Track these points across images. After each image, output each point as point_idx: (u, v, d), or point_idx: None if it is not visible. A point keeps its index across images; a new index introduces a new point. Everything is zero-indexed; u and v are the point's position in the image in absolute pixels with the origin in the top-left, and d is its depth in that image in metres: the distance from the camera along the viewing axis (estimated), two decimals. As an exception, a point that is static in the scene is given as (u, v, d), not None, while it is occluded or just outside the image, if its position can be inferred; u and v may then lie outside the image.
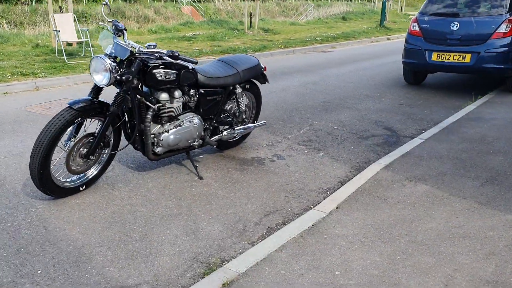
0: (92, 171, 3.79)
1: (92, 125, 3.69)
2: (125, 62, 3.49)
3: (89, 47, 9.99)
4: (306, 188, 3.94)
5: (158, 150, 3.90)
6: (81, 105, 3.40)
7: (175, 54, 3.51)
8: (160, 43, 12.63)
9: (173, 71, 3.72)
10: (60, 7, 15.27)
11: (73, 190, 3.65)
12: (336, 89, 8.05)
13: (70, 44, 10.47)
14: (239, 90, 4.52)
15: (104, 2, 3.80)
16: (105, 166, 3.85)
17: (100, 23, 4.52)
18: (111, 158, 3.86)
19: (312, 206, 3.61)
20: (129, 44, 3.46)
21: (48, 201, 3.55)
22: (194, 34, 14.76)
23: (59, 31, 9.36)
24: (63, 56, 9.37)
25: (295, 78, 8.88)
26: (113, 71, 3.39)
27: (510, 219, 3.29)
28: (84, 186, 3.72)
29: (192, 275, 2.72)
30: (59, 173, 3.66)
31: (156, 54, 3.50)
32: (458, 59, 7.45)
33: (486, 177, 4.01)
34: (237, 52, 11.47)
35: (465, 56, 7.39)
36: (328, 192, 3.87)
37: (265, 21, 20.35)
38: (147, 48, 3.51)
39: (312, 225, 3.24)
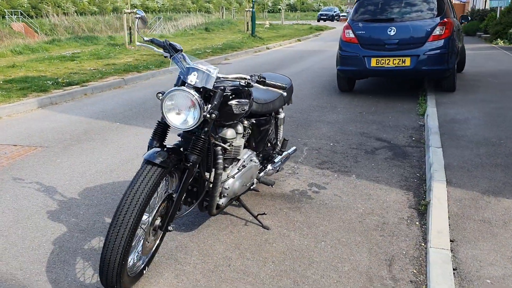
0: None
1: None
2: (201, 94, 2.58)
3: None
4: (389, 222, 3.42)
5: (222, 201, 3.03)
6: (161, 158, 2.41)
7: (262, 78, 2.71)
8: (42, 65, 10.82)
9: (246, 101, 2.90)
10: None
11: (139, 276, 2.60)
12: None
13: None
14: (282, 115, 3.80)
15: (137, 15, 2.81)
16: (162, 237, 2.85)
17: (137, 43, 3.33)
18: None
19: (422, 244, 3.10)
20: (206, 68, 2.56)
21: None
22: (73, 53, 13.03)
23: None
24: None
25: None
26: (203, 107, 2.47)
27: None
28: (147, 267, 2.69)
29: None
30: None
31: (240, 81, 2.65)
32: (398, 63, 7.56)
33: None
34: (142, 71, 10.34)
35: (405, 60, 7.52)
36: (417, 223, 3.40)
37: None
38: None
39: (454, 269, 2.74)
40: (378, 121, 6.29)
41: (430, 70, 7.47)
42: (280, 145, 3.93)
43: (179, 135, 3.17)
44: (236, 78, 2.64)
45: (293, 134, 5.62)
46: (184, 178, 2.57)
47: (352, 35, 7.92)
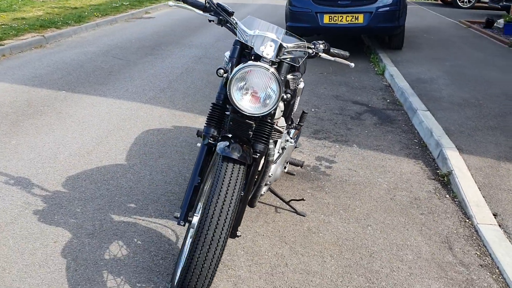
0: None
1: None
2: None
3: None
4: (419, 197, 3.27)
5: (264, 190, 2.63)
6: (238, 153, 1.94)
7: (327, 46, 2.28)
8: None
9: (299, 74, 2.47)
10: None
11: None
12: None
13: None
14: (302, 84, 3.39)
15: None
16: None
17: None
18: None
19: (467, 220, 2.97)
20: (276, 36, 2.08)
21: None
22: (-34, 5, 11.17)
23: None
24: None
25: (178, 53, 7.50)
26: (283, 86, 2.00)
27: None
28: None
29: None
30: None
31: (307, 50, 2.20)
32: (351, 20, 7.37)
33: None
34: (62, 27, 9.13)
35: (358, 16, 7.34)
36: (447, 196, 3.27)
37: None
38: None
39: None
40: (343, 82, 6.10)
41: (382, 27, 7.38)
42: (298, 118, 3.54)
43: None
44: (300, 46, 2.18)
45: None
46: (251, 172, 2.12)
47: (302, -10, 7.54)
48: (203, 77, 6.03)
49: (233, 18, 2.20)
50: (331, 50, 2.29)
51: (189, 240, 2.26)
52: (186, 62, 6.81)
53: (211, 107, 2.17)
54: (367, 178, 3.47)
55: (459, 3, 15.07)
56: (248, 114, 2.01)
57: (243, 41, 2.11)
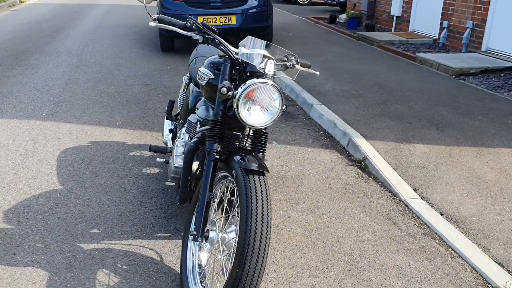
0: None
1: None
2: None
3: None
4: (349, 182, 3.69)
5: None
6: (255, 163, 2.07)
7: (296, 57, 2.52)
8: None
9: None
10: None
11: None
12: (117, 70, 6.88)
13: None
14: None
15: None
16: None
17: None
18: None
19: (395, 197, 3.49)
20: (267, 52, 2.24)
21: None
22: None
23: None
24: None
25: (49, 62, 6.95)
26: (284, 99, 2.18)
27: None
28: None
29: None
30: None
31: (286, 63, 2.41)
32: (224, 22, 7.69)
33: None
34: None
35: (231, 18, 7.70)
36: (370, 178, 3.77)
37: None
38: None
39: (441, 214, 3.23)
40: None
41: (253, 27, 7.81)
42: None
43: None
44: (282, 60, 2.37)
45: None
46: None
47: (174, -8, 7.59)
48: (93, 87, 5.76)
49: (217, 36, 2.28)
50: (300, 62, 2.51)
51: (191, 251, 2.32)
52: (64, 72, 6.39)
53: (211, 124, 2.23)
54: (300, 171, 3.79)
55: (298, 0, 16.39)
56: (253, 126, 2.14)
57: (235, 59, 2.21)
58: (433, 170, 3.77)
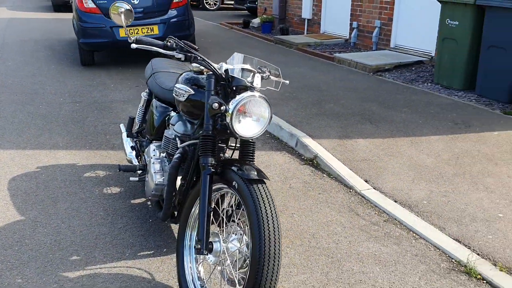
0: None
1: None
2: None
3: None
4: (307, 180, 3.90)
5: None
6: (255, 172, 2.18)
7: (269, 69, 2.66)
8: None
9: None
10: None
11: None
12: (41, 89, 6.56)
13: None
14: None
15: (122, 9, 2.30)
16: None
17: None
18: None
19: (351, 190, 3.77)
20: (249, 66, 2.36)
21: None
22: None
23: None
24: None
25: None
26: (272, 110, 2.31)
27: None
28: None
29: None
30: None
31: (263, 74, 2.53)
32: (147, 32, 7.64)
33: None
34: None
35: (153, 28, 7.67)
36: (324, 175, 4.03)
37: None
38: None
39: (395, 201, 3.56)
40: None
41: (176, 36, 7.73)
42: None
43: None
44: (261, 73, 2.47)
45: (115, 121, 5.15)
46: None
47: (92, 5, 7.42)
48: (21, 109, 5.48)
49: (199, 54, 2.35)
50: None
51: (188, 265, 2.38)
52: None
53: (203, 139, 2.29)
54: (259, 176, 3.93)
55: (206, 6, 16.53)
56: (245, 138, 2.24)
57: (219, 74, 2.29)
58: (378, 161, 4.09)
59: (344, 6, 9.50)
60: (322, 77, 6.93)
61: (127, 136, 3.58)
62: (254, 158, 2.38)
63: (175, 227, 3.11)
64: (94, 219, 3.19)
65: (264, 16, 11.61)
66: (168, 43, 2.33)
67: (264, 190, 2.10)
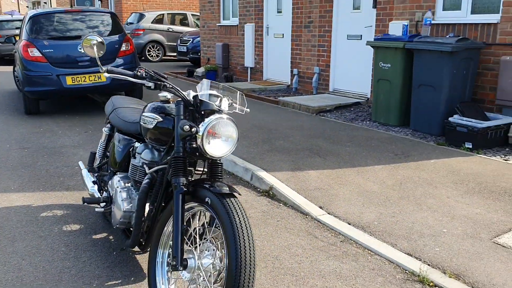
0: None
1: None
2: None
3: None
4: (265, 210, 4.07)
5: None
6: (226, 187, 2.34)
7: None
8: None
9: None
10: None
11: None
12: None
13: None
14: None
15: (94, 41, 2.46)
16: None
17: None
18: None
19: (307, 216, 3.97)
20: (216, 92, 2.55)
21: None
22: None
23: None
24: None
25: None
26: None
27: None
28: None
29: None
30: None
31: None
32: (94, 80, 7.72)
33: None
34: None
35: (100, 76, 7.76)
36: (281, 205, 4.21)
37: None
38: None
39: (349, 223, 3.79)
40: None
41: (124, 83, 7.94)
42: None
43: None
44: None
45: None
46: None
47: (38, 54, 7.43)
48: (-34, 156, 5.32)
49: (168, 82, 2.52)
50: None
51: (161, 286, 2.44)
52: None
53: (174, 160, 2.42)
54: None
55: (149, 57, 16.78)
56: (214, 158, 2.40)
57: (187, 100, 2.46)
58: (329, 190, 4.34)
59: (284, 54, 10.05)
60: (269, 118, 7.24)
61: (89, 171, 3.61)
62: (222, 178, 2.53)
63: (140, 258, 3.15)
64: (56, 255, 3.16)
65: (208, 65, 11.99)
66: (138, 73, 2.48)
67: (237, 203, 2.24)
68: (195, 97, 2.46)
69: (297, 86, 9.72)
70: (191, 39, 14.40)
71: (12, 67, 10.26)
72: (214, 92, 2.46)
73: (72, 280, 2.85)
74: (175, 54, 15.94)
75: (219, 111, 2.42)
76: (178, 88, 2.48)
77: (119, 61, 7.87)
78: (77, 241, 3.36)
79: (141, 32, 16.48)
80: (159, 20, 16.98)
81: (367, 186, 4.39)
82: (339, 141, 5.90)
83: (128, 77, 2.48)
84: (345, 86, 8.67)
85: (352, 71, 8.42)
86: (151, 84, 2.48)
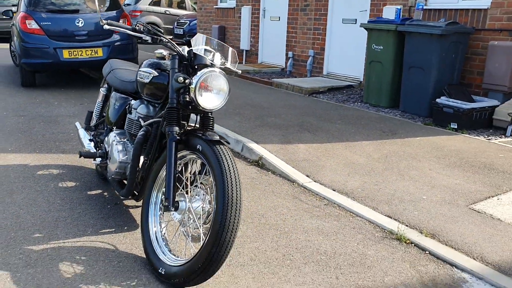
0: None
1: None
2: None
3: None
4: (253, 177, 4.23)
5: None
6: (217, 136, 2.48)
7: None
8: None
9: None
10: None
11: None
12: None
13: None
14: None
15: None
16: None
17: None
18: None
19: (295, 183, 4.13)
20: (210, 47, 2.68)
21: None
22: None
23: None
24: None
25: None
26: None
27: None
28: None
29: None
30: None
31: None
32: (91, 54, 7.81)
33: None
34: None
35: (97, 50, 7.86)
36: (269, 173, 4.37)
37: None
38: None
39: (334, 190, 3.96)
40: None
41: (121, 59, 8.02)
42: None
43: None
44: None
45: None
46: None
47: (36, 26, 7.51)
48: (-37, 120, 5.42)
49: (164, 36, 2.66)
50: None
51: (153, 227, 2.59)
52: None
53: (168, 111, 2.56)
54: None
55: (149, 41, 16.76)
56: (207, 110, 2.54)
57: (182, 55, 2.60)
58: (317, 161, 4.50)
59: (280, 37, 10.16)
60: (262, 98, 7.38)
61: (85, 130, 3.75)
62: (213, 129, 2.67)
63: (133, 212, 3.30)
64: (52, 206, 3.31)
65: (204, 47, 12.05)
66: (137, 27, 2.61)
67: (226, 150, 2.39)
68: (189, 51, 2.59)
69: (291, 69, 9.85)
70: (188, 22, 14.47)
71: (8, 44, 10.31)
72: (207, 47, 2.60)
73: (68, 227, 3.00)
74: (171, 37, 15.98)
75: (212, 65, 2.56)
76: (174, 43, 2.62)
77: (115, 36, 7.96)
78: (72, 196, 3.51)
79: (138, 14, 16.50)
80: (156, 2, 16.99)
81: (354, 159, 4.56)
82: (329, 119, 6.06)
83: (127, 30, 2.61)
84: (339, 70, 8.81)
85: (346, 55, 8.56)
86: (148, 38, 2.61)
